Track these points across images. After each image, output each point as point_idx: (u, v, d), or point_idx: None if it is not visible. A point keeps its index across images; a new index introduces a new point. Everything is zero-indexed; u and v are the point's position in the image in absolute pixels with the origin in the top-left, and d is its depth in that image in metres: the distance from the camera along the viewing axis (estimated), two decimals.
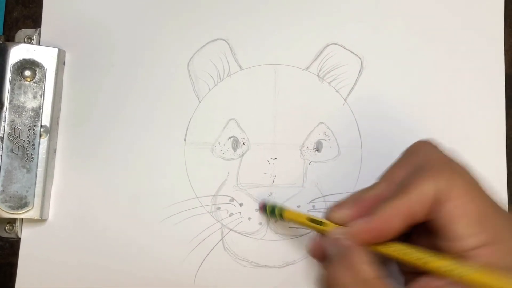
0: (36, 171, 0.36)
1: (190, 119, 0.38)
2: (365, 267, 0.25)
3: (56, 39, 0.39)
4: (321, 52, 0.38)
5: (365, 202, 0.28)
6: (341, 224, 0.28)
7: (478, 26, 0.38)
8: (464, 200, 0.24)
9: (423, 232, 0.27)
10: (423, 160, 0.26)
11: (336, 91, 0.38)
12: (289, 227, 0.37)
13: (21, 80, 0.36)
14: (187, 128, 0.38)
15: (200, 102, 0.38)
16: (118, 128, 0.38)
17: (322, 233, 0.30)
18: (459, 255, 0.24)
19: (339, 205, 0.30)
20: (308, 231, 0.36)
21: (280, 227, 0.37)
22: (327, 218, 0.30)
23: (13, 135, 0.36)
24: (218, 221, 0.37)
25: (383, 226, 0.26)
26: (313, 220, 0.31)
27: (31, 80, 0.37)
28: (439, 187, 0.24)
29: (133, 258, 0.37)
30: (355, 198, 0.29)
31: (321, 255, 0.29)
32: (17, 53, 0.36)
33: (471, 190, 0.24)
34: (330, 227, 0.29)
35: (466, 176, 0.25)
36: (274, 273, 0.36)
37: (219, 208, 0.37)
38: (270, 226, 0.37)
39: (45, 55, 0.37)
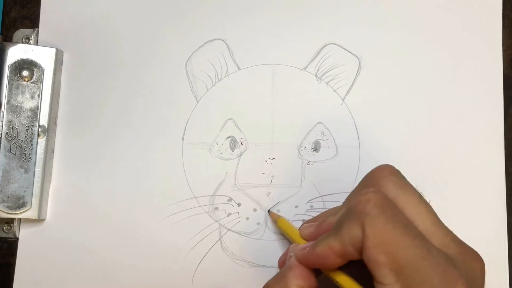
0: (34, 171, 0.36)
1: (188, 119, 0.38)
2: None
3: (54, 39, 0.39)
4: (319, 52, 0.38)
5: (324, 227, 0.29)
6: (306, 239, 0.31)
7: (476, 26, 0.38)
8: (379, 249, 0.24)
9: None
10: (357, 198, 0.26)
11: (334, 91, 0.38)
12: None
13: (18, 80, 0.36)
14: (185, 128, 0.38)
15: (198, 102, 0.38)
16: (116, 128, 0.38)
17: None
18: None
19: (312, 220, 0.33)
20: None
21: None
22: (300, 229, 0.32)
23: (11, 135, 0.36)
24: (216, 221, 0.37)
25: (318, 260, 0.27)
26: (290, 230, 0.34)
27: (29, 80, 0.37)
28: (363, 232, 0.25)
29: (131, 258, 0.37)
30: (322, 219, 0.30)
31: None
32: (15, 53, 0.36)
33: (388, 238, 0.24)
34: (297, 240, 0.32)
35: (390, 222, 0.25)
36: (272, 273, 0.36)
37: (217, 208, 0.37)
38: (268, 226, 0.37)
39: (43, 55, 0.37)
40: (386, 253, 0.24)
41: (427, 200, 0.28)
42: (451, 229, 0.27)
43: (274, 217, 0.36)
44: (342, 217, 0.27)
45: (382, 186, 0.27)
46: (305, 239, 0.31)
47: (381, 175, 0.28)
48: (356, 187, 0.30)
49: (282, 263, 0.33)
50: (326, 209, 0.35)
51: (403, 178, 0.28)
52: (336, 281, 0.28)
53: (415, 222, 0.26)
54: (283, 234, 0.36)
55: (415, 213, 0.27)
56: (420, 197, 0.28)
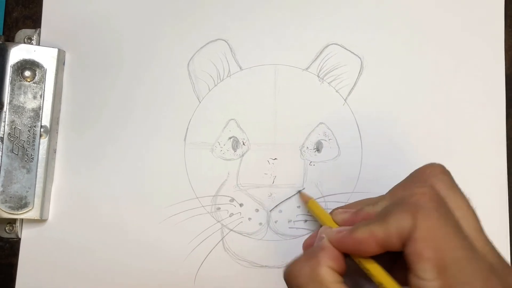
0: (36, 171, 0.36)
1: (190, 119, 0.38)
2: (324, 270, 0.26)
3: (56, 39, 0.39)
4: (321, 52, 0.38)
5: (363, 215, 0.29)
6: (340, 224, 0.30)
7: (478, 26, 0.38)
8: (428, 244, 0.24)
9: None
10: (412, 190, 0.26)
11: (336, 91, 0.38)
12: (289, 227, 0.37)
13: (21, 81, 0.36)
14: (187, 128, 0.38)
15: (200, 102, 0.38)
16: (118, 128, 0.38)
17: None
18: None
19: (346, 207, 0.31)
20: (306, 232, 0.36)
21: (280, 227, 0.37)
22: (331, 214, 0.31)
23: (13, 135, 0.36)
24: (218, 222, 0.37)
25: (356, 245, 0.27)
26: (321, 212, 0.33)
27: (31, 81, 0.37)
28: (414, 224, 0.25)
29: (133, 258, 0.37)
30: (360, 207, 0.29)
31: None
32: (17, 53, 0.36)
33: (438, 235, 0.24)
34: (328, 224, 0.31)
35: (442, 218, 0.25)
36: (274, 273, 0.36)
37: (219, 208, 0.37)
38: (270, 226, 0.37)
39: (45, 56, 0.37)
40: (434, 248, 0.24)
41: (473, 206, 0.28)
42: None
43: (304, 198, 0.36)
44: (390, 206, 0.26)
45: (433, 184, 0.27)
46: (338, 224, 0.30)
47: (432, 173, 0.28)
48: (404, 181, 0.29)
49: (308, 245, 0.32)
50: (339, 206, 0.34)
51: (453, 179, 0.28)
52: (367, 269, 0.27)
53: (462, 225, 0.26)
54: (313, 217, 0.35)
55: (462, 216, 0.26)
56: (468, 201, 0.27)
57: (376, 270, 0.27)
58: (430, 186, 0.26)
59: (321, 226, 0.31)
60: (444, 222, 0.24)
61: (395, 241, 0.25)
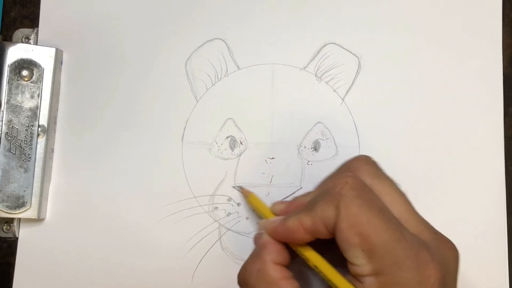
0: (34, 170, 0.36)
1: (188, 118, 0.38)
2: (271, 268, 0.28)
3: (53, 39, 0.39)
4: (318, 52, 0.38)
5: (296, 204, 0.30)
6: (277, 215, 0.31)
7: (476, 26, 0.38)
8: (353, 231, 0.25)
9: None
10: (335, 180, 0.27)
11: (334, 90, 0.38)
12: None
13: (18, 80, 0.36)
14: (185, 128, 0.38)
15: (197, 101, 0.38)
16: (116, 127, 0.38)
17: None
18: (355, 278, 0.26)
19: (284, 200, 0.33)
20: None
21: None
22: (271, 207, 0.33)
23: (11, 134, 0.36)
24: (216, 221, 0.37)
25: (288, 234, 0.28)
26: (261, 206, 0.34)
27: (28, 80, 0.37)
28: (337, 214, 0.25)
29: (130, 258, 0.37)
30: (294, 198, 0.31)
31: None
32: (15, 52, 0.36)
33: (362, 220, 0.25)
34: (268, 216, 0.32)
35: (365, 205, 0.25)
36: None
37: (217, 207, 0.37)
38: None
39: (42, 55, 0.37)
40: (359, 234, 0.25)
41: (403, 191, 0.28)
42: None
43: (245, 193, 0.36)
44: (316, 196, 0.27)
45: (359, 175, 0.28)
46: (275, 214, 0.32)
47: (357, 165, 0.29)
48: (332, 173, 0.30)
49: (256, 239, 0.33)
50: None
51: (379, 168, 0.29)
52: (304, 255, 0.28)
53: (390, 209, 0.26)
54: (254, 211, 0.36)
55: (390, 200, 0.27)
56: (395, 186, 0.28)
57: (310, 255, 0.28)
58: (352, 175, 0.26)
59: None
60: (367, 208, 0.25)
61: (322, 229, 0.26)
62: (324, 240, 0.27)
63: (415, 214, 0.28)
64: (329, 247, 0.28)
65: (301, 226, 0.27)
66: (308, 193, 0.31)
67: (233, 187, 0.37)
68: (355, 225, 0.25)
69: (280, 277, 0.27)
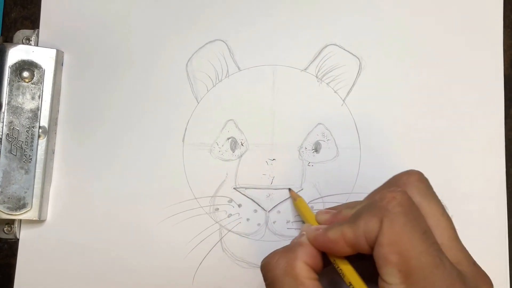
0: (35, 172, 0.36)
1: (189, 120, 0.38)
2: (300, 265, 0.27)
3: (54, 40, 0.39)
4: (319, 53, 0.38)
5: (341, 217, 0.29)
6: (321, 224, 0.31)
7: (477, 27, 0.38)
8: (392, 249, 0.24)
9: None
10: (383, 194, 0.26)
11: (335, 92, 0.38)
12: (287, 228, 0.37)
13: (19, 81, 0.36)
14: (186, 129, 0.38)
15: (198, 103, 0.38)
16: (116, 129, 0.38)
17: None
18: None
19: (330, 209, 0.32)
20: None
21: (278, 228, 0.37)
22: (316, 214, 0.32)
23: (11, 136, 0.36)
24: (217, 222, 0.37)
25: (329, 244, 0.27)
26: (307, 211, 0.34)
27: (29, 81, 0.37)
28: (380, 228, 0.25)
29: (131, 259, 0.37)
30: (339, 210, 0.30)
31: None
32: (15, 54, 0.36)
33: (403, 240, 0.24)
34: (312, 223, 0.31)
35: (409, 224, 0.25)
36: None
37: (218, 209, 0.37)
38: (269, 227, 0.37)
39: (43, 56, 0.37)
40: (398, 253, 0.24)
41: (450, 215, 0.27)
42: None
43: (293, 196, 0.36)
44: (362, 208, 0.27)
45: (408, 191, 0.27)
46: (320, 224, 0.31)
47: (408, 180, 0.28)
48: (381, 186, 0.29)
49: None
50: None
51: (430, 187, 0.28)
52: (339, 268, 0.28)
53: (433, 233, 0.26)
54: (299, 215, 0.36)
55: (435, 224, 0.26)
56: (443, 209, 0.27)
57: (347, 270, 0.28)
58: (401, 191, 0.26)
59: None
60: (411, 228, 0.24)
61: (363, 243, 0.26)
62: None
63: (458, 241, 0.27)
64: (361, 260, 0.27)
65: (342, 238, 0.26)
66: (353, 204, 0.30)
67: (289, 189, 0.37)
68: (396, 243, 0.24)
69: (306, 276, 0.27)
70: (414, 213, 0.25)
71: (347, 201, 0.36)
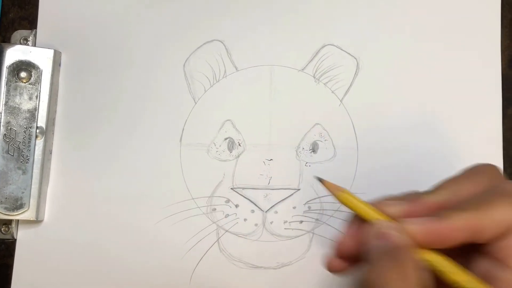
0: (32, 172, 0.36)
1: (186, 120, 0.38)
2: (418, 275, 0.23)
3: (52, 40, 0.39)
4: (317, 53, 0.38)
5: (425, 204, 0.25)
6: (392, 218, 0.25)
7: (475, 27, 0.38)
8: None
9: (471, 252, 0.25)
10: (498, 184, 0.25)
11: (332, 92, 0.38)
12: (285, 228, 0.36)
13: (16, 82, 0.36)
14: (183, 129, 0.38)
15: (196, 103, 0.38)
16: (114, 129, 0.38)
17: (363, 221, 0.26)
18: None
19: (393, 199, 0.26)
20: (302, 233, 0.36)
21: (275, 228, 0.37)
22: (378, 207, 0.26)
23: (9, 136, 0.36)
24: (214, 222, 0.37)
25: (446, 233, 0.24)
26: (362, 205, 0.26)
27: (26, 82, 0.37)
28: None
29: (129, 259, 0.37)
30: (411, 197, 0.26)
31: (352, 250, 0.26)
32: (13, 54, 0.36)
33: None
34: (376, 218, 0.25)
35: None
36: (270, 274, 0.36)
37: (215, 209, 0.37)
38: (266, 227, 0.37)
39: (41, 57, 0.37)
40: None
41: None
42: None
43: (332, 189, 0.27)
44: (486, 195, 0.24)
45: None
46: (392, 218, 0.25)
47: (494, 172, 0.26)
48: (462, 176, 0.26)
49: (346, 247, 0.26)
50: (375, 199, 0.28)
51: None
52: (440, 267, 0.24)
53: None
54: (349, 209, 0.27)
55: None
56: None
57: (452, 268, 0.24)
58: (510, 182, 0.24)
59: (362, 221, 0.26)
60: None
61: (490, 232, 0.23)
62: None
63: None
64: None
65: (467, 226, 0.23)
66: (424, 192, 0.26)
67: (320, 179, 0.28)
68: None
69: (421, 283, 0.23)
70: None
71: None
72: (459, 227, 0.23)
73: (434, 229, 0.24)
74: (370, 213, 0.25)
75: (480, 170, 0.27)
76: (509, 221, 0.23)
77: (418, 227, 0.24)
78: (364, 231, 0.25)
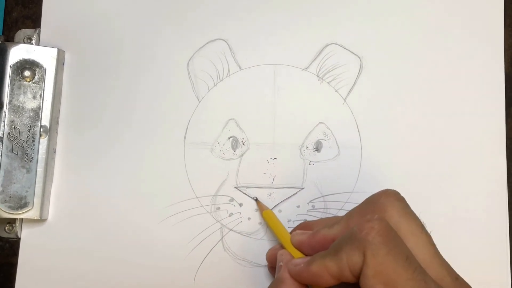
0: (36, 171, 0.36)
1: (190, 119, 0.38)
2: None
3: (55, 39, 0.39)
4: (320, 52, 0.38)
5: (319, 238, 0.29)
6: (296, 246, 0.31)
7: (478, 26, 0.38)
8: (377, 280, 0.25)
9: None
10: (361, 224, 0.26)
11: (336, 91, 0.38)
12: (289, 227, 0.36)
13: (20, 80, 0.36)
14: (187, 128, 0.38)
15: (199, 102, 0.38)
16: (118, 128, 0.38)
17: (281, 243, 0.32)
18: None
19: (304, 227, 0.33)
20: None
21: None
22: (291, 233, 0.31)
23: (13, 135, 0.36)
24: (218, 221, 0.37)
25: (312, 277, 0.27)
26: (277, 226, 0.33)
27: (30, 80, 0.37)
28: (364, 261, 0.25)
29: (132, 258, 0.37)
30: (316, 229, 0.30)
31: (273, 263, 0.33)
32: (17, 53, 0.36)
33: (388, 270, 0.25)
34: (287, 245, 0.31)
35: (391, 253, 0.25)
36: (273, 274, 0.36)
37: (219, 208, 0.37)
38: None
39: (44, 55, 0.37)
40: (384, 283, 0.25)
41: (429, 231, 0.28)
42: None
43: (261, 208, 0.36)
44: (342, 240, 0.27)
45: (386, 211, 0.28)
46: (295, 246, 0.31)
47: (386, 201, 0.28)
48: (358, 208, 0.30)
49: (271, 258, 0.33)
50: (319, 219, 0.35)
51: (407, 206, 0.28)
52: None
53: (414, 251, 0.26)
54: (270, 229, 0.36)
55: (415, 242, 0.27)
56: (422, 227, 0.28)
57: None
58: (379, 219, 0.26)
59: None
60: (394, 257, 0.25)
61: (347, 275, 0.26)
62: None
63: (438, 257, 0.27)
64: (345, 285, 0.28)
65: (326, 271, 0.27)
66: (330, 221, 0.30)
67: (255, 199, 0.37)
68: (381, 273, 0.25)
69: None
70: (394, 240, 0.26)
71: (349, 200, 0.37)
72: (318, 273, 0.27)
73: (300, 274, 0.28)
74: (282, 235, 0.32)
75: (371, 201, 0.29)
76: (358, 265, 0.25)
77: (292, 269, 0.29)
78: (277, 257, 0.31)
